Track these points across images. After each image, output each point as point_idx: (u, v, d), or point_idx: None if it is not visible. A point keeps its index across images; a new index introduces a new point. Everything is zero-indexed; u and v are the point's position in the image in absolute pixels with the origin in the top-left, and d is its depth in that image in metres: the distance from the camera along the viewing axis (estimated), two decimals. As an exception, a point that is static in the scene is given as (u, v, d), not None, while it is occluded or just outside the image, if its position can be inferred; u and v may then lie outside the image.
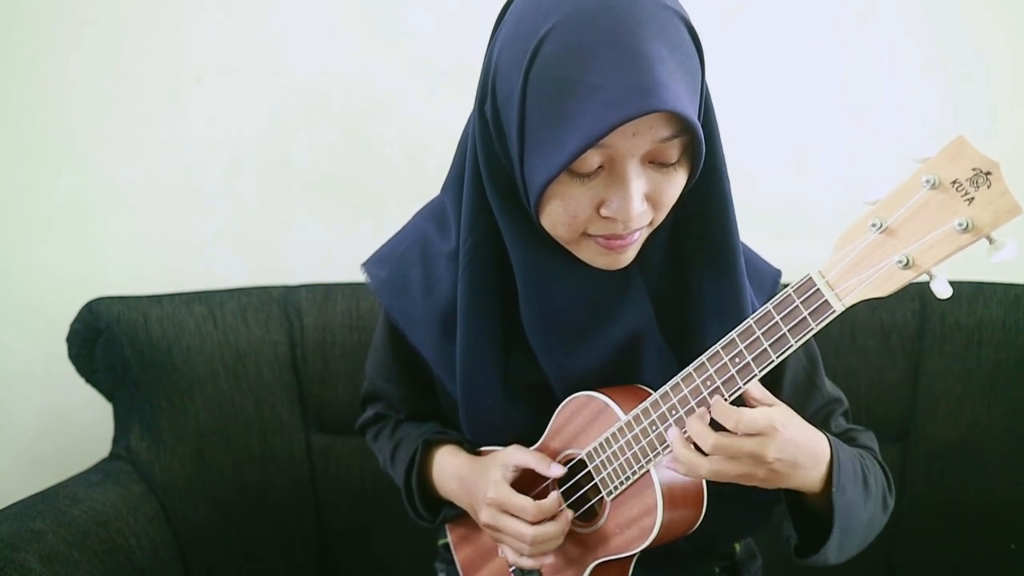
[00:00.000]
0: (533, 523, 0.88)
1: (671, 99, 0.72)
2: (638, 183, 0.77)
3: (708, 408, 0.78)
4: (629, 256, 0.84)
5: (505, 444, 0.96)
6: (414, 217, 1.04)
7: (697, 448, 0.78)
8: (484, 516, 0.91)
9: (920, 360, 1.31)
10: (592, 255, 0.84)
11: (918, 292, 1.32)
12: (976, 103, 1.45)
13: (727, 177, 0.85)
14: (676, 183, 0.81)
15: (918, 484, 1.31)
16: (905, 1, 1.45)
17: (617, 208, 0.78)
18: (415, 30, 1.51)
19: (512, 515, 0.89)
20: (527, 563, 0.90)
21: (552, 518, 0.89)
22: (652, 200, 0.80)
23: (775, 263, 1.00)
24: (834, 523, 0.83)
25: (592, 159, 0.76)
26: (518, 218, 0.86)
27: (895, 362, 1.31)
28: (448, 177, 0.97)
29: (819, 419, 0.96)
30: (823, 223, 1.47)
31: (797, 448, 0.78)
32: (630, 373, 0.90)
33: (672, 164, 0.79)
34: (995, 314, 1.29)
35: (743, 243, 0.95)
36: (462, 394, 0.96)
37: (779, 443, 0.76)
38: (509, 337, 0.93)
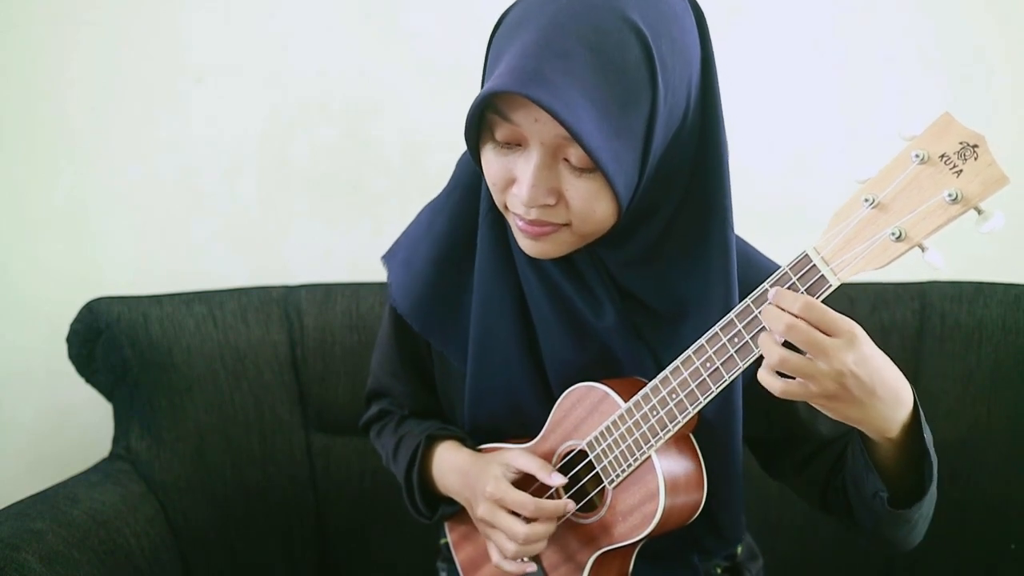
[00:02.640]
0: (529, 520, 0.88)
1: (539, 91, 0.73)
2: (541, 173, 0.79)
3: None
4: (546, 249, 0.85)
5: (505, 429, 0.97)
6: (419, 213, 1.05)
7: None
8: (481, 511, 0.91)
9: (920, 360, 1.31)
10: (514, 232, 0.87)
11: (918, 292, 1.32)
12: (976, 103, 1.45)
13: (727, 190, 0.85)
14: (592, 192, 0.80)
15: (918, 484, 1.30)
16: (905, 1, 1.45)
17: (516, 187, 0.81)
18: (415, 30, 1.51)
19: (509, 512, 0.89)
20: (509, 566, 0.91)
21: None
22: (565, 200, 0.81)
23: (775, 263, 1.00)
24: (930, 468, 0.79)
25: (505, 131, 0.80)
26: None
27: (895, 362, 1.31)
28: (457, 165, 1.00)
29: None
30: (823, 223, 1.47)
31: (878, 372, 0.73)
32: (608, 368, 0.91)
33: (582, 169, 0.79)
34: (995, 314, 1.29)
35: (745, 241, 0.95)
36: (474, 350, 0.96)
37: (859, 354, 0.70)
38: (522, 302, 0.94)
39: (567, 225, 0.83)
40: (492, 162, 0.83)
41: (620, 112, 0.76)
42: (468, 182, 0.97)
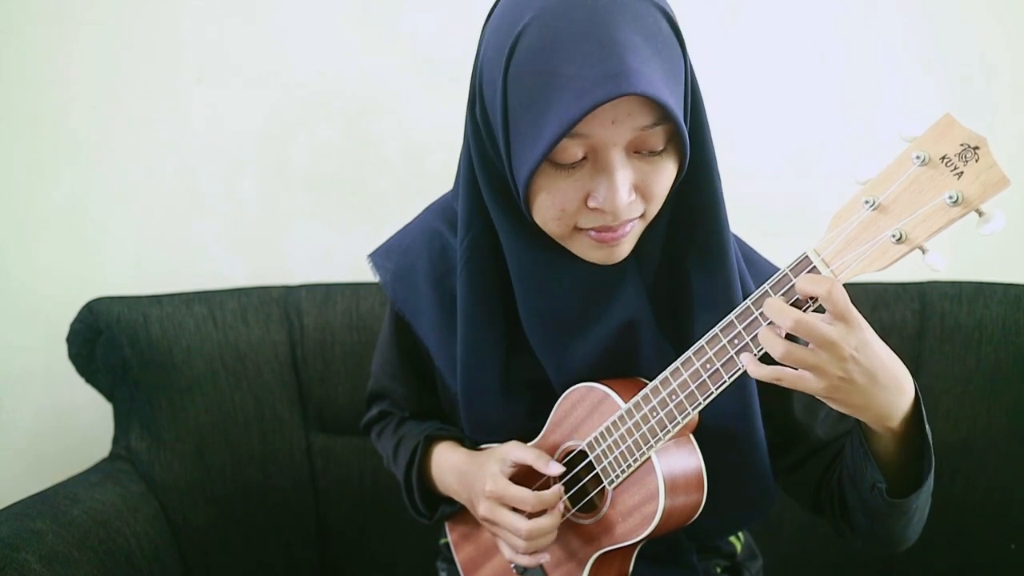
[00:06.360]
0: (531, 515, 0.88)
1: (642, 83, 0.72)
2: (624, 172, 0.78)
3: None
4: (624, 250, 0.84)
5: (504, 441, 0.96)
6: (422, 212, 1.05)
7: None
8: (482, 509, 0.91)
9: (920, 360, 1.31)
10: (585, 249, 0.84)
11: (918, 292, 1.32)
12: (976, 103, 1.45)
13: (717, 170, 0.85)
14: (665, 173, 0.80)
15: (918, 484, 1.30)
16: (905, 1, 1.45)
17: (604, 199, 0.78)
18: (415, 30, 1.51)
19: (510, 508, 0.89)
20: (524, 560, 0.90)
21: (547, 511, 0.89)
22: (641, 191, 0.80)
23: (775, 263, 1.00)
24: (930, 458, 0.79)
25: (574, 149, 0.77)
26: (512, 216, 0.86)
27: (895, 362, 1.31)
28: (456, 177, 0.98)
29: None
30: (823, 223, 1.47)
31: (878, 358, 0.73)
32: (627, 366, 0.90)
33: (659, 153, 0.79)
34: (995, 314, 1.29)
35: (746, 243, 0.95)
36: (462, 390, 0.96)
37: (859, 339, 0.71)
38: (509, 335, 0.94)
39: (641, 216, 0.83)
40: (556, 188, 0.79)
41: (676, 86, 0.77)
42: (482, 228, 0.92)
